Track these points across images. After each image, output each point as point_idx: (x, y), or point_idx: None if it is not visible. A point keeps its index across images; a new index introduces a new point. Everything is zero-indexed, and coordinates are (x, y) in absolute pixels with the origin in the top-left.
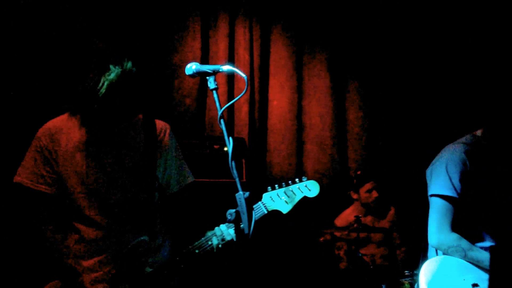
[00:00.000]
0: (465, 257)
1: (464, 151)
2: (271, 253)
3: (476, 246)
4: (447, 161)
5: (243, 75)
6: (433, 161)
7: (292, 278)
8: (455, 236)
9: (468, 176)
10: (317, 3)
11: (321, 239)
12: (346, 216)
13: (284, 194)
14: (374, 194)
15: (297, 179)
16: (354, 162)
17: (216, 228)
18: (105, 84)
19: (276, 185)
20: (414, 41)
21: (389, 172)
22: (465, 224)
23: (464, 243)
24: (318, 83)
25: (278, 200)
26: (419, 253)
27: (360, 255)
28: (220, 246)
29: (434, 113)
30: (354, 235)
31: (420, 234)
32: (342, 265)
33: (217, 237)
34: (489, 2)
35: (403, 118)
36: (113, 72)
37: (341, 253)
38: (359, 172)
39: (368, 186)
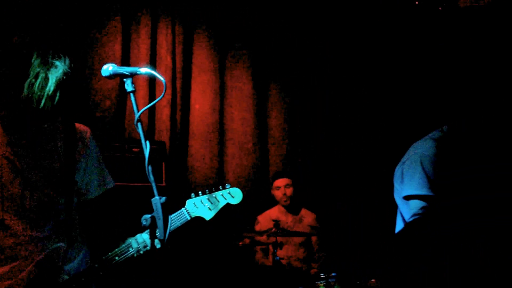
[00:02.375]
0: None
1: (435, 146)
2: (190, 259)
3: None
4: (421, 158)
5: (161, 78)
6: (403, 160)
7: (211, 283)
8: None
9: (442, 171)
10: (239, 8)
11: (240, 243)
12: (270, 214)
13: (208, 200)
14: (289, 191)
15: (220, 186)
16: (275, 166)
17: (138, 234)
18: (53, 81)
19: (199, 192)
20: (339, 45)
21: (309, 176)
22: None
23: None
24: (241, 88)
25: (201, 206)
26: (337, 258)
27: (278, 258)
28: (141, 252)
29: (358, 118)
30: (273, 239)
31: (340, 240)
32: (262, 265)
33: (138, 244)
34: None
35: (325, 124)
36: (60, 69)
37: (260, 256)
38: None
39: (283, 181)
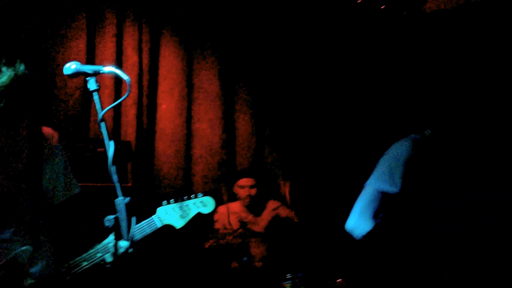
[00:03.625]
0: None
1: (411, 147)
2: (157, 262)
3: None
4: (392, 154)
5: (125, 77)
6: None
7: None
8: (373, 223)
9: (412, 172)
10: (206, 8)
11: (207, 245)
12: (232, 207)
13: (179, 209)
14: (253, 191)
15: (193, 195)
16: (242, 166)
17: (107, 239)
18: None
19: (171, 200)
20: (306, 45)
21: (273, 173)
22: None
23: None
24: (208, 88)
25: (172, 214)
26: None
27: (245, 259)
28: (110, 259)
29: (325, 121)
30: (238, 240)
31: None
32: (231, 266)
33: (106, 249)
34: None
35: (291, 124)
36: (5, 76)
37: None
38: (238, 169)
39: (248, 181)
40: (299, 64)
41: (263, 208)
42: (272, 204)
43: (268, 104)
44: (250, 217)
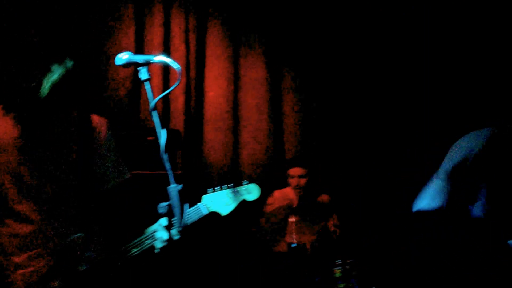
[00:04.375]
0: None
1: (487, 139)
2: (207, 248)
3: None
4: (465, 144)
5: (175, 66)
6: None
7: (226, 267)
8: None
9: (485, 163)
10: None
11: (253, 229)
12: (287, 192)
13: (225, 196)
14: (303, 181)
15: (238, 182)
16: (290, 154)
17: (155, 225)
18: (47, 85)
19: (217, 187)
20: (352, 34)
21: (323, 164)
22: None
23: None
24: (255, 75)
25: (218, 201)
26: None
27: (294, 246)
28: (160, 245)
29: (370, 109)
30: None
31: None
32: (278, 249)
33: (155, 236)
34: None
35: (339, 113)
36: (56, 74)
37: (276, 242)
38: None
39: (297, 171)
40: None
41: (315, 199)
42: (331, 220)
43: (316, 90)
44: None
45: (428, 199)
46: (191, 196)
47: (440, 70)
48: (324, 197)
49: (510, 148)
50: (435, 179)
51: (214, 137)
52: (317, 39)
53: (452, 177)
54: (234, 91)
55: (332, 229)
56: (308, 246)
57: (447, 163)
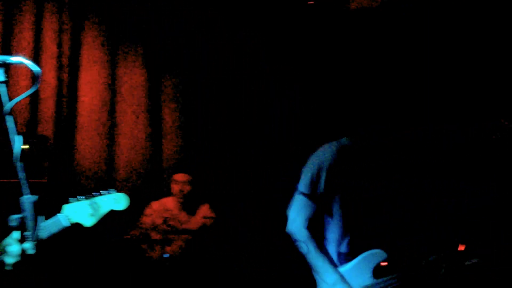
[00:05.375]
0: (307, 256)
1: (336, 151)
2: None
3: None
4: (317, 159)
5: (34, 69)
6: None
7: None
8: (305, 233)
9: (336, 176)
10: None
11: (128, 236)
12: (166, 203)
13: (89, 206)
14: (186, 188)
15: (105, 191)
16: (170, 160)
17: (7, 239)
18: None
19: (80, 197)
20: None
21: (204, 169)
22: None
23: (310, 245)
24: (133, 80)
25: (81, 212)
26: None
27: (166, 256)
28: (12, 260)
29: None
30: (159, 236)
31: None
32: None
33: (7, 250)
34: None
35: (220, 117)
36: None
37: (149, 251)
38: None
39: (182, 177)
40: (225, 57)
41: (197, 208)
42: (205, 211)
43: (196, 97)
44: (182, 215)
45: (294, 214)
46: (58, 206)
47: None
48: (204, 207)
49: (359, 158)
50: (297, 194)
51: (88, 143)
52: (194, 44)
53: (311, 191)
54: (111, 96)
55: (207, 230)
56: (180, 256)
57: (304, 178)
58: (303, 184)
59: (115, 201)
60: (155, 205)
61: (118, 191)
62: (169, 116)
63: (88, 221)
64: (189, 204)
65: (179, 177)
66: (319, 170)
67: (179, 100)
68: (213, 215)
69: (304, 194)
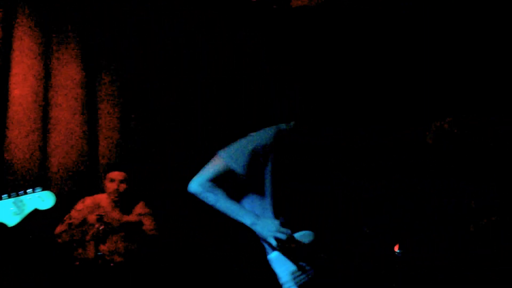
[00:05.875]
0: (216, 205)
1: (274, 135)
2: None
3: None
4: (253, 138)
5: None
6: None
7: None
8: (209, 183)
9: (266, 159)
10: None
11: (59, 240)
12: (100, 199)
13: (13, 205)
14: (122, 186)
15: (30, 189)
16: (106, 157)
17: None
18: None
19: (4, 195)
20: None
21: (141, 167)
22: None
23: (217, 192)
24: (69, 74)
25: (4, 211)
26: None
27: (100, 254)
28: None
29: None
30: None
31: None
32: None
33: None
34: None
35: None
36: None
37: (80, 251)
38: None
39: (118, 175)
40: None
41: (132, 206)
42: (140, 209)
43: (135, 94)
44: (116, 213)
45: (200, 172)
46: None
47: None
48: (139, 205)
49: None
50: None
51: (20, 139)
52: (132, 39)
53: (232, 162)
54: (45, 90)
55: (150, 229)
56: (116, 255)
57: (230, 147)
58: (226, 152)
59: (40, 199)
60: (88, 200)
61: (51, 189)
62: (106, 113)
63: (12, 221)
64: (123, 203)
65: (115, 175)
66: (250, 147)
67: (118, 97)
68: (148, 210)
69: (223, 159)
